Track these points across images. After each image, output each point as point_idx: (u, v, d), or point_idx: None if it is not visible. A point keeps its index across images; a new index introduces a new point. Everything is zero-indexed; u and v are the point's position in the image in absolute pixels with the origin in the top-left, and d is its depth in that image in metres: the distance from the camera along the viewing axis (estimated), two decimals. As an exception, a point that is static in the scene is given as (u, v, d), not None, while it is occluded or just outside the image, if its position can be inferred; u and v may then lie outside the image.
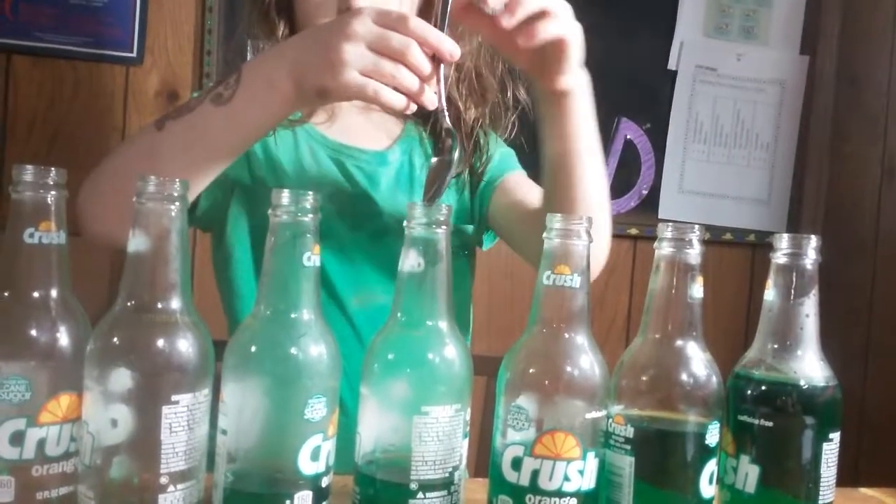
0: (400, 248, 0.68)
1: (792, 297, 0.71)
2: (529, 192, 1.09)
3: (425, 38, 0.77)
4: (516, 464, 0.65)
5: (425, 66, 0.78)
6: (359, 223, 1.06)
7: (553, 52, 0.84)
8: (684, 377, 0.68)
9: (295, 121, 1.06)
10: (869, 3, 1.99)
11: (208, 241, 1.13)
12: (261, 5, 1.05)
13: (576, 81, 0.90)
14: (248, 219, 1.06)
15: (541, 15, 0.81)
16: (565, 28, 0.83)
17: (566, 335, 0.67)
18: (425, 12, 1.07)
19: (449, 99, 1.06)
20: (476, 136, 1.10)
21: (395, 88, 0.78)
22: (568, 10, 0.84)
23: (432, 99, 0.80)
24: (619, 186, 1.95)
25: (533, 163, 1.21)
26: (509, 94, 1.12)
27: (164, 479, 0.60)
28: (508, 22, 0.80)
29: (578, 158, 0.92)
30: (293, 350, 0.63)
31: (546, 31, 0.81)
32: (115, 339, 0.60)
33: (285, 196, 0.64)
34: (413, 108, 0.80)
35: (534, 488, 0.65)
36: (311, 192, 0.64)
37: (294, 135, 1.07)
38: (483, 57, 1.10)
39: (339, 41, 0.77)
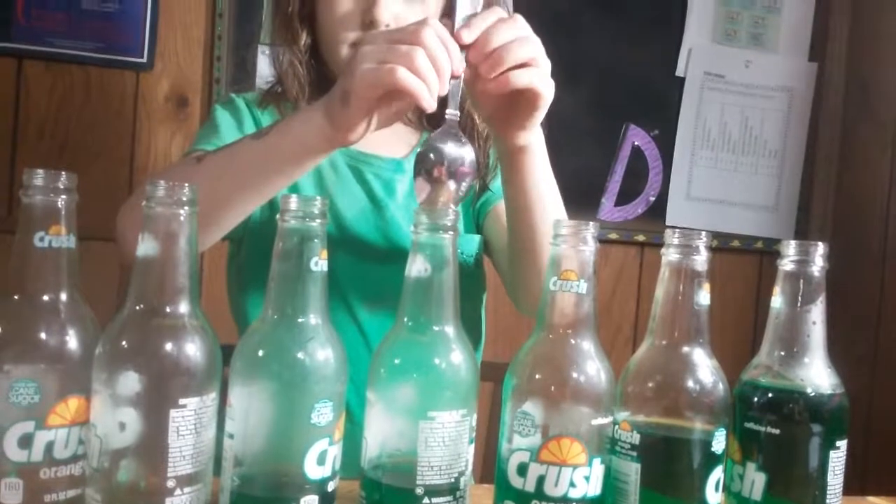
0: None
1: (799, 305, 0.71)
2: None
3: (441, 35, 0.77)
4: (522, 470, 0.65)
5: (440, 50, 0.76)
6: (374, 230, 1.06)
7: (523, 104, 0.82)
8: (691, 384, 0.68)
9: None
10: (877, 10, 1.99)
11: (216, 245, 1.13)
12: (283, 14, 1.05)
13: (535, 138, 0.88)
14: (264, 229, 1.06)
15: (520, 65, 0.78)
16: (542, 80, 0.80)
17: (572, 341, 0.67)
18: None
19: (464, 112, 1.07)
20: (488, 149, 1.10)
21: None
22: (548, 66, 0.81)
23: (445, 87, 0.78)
24: (627, 193, 1.95)
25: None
26: None
27: (171, 483, 0.60)
28: (488, 73, 0.78)
29: (538, 213, 0.92)
30: (300, 354, 0.63)
31: (521, 80, 0.78)
32: (124, 343, 0.61)
33: (293, 201, 0.64)
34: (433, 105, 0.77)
35: (539, 494, 0.65)
36: (318, 197, 0.65)
37: None
38: None
39: (357, 49, 0.78)
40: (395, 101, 0.79)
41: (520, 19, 0.80)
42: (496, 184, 1.12)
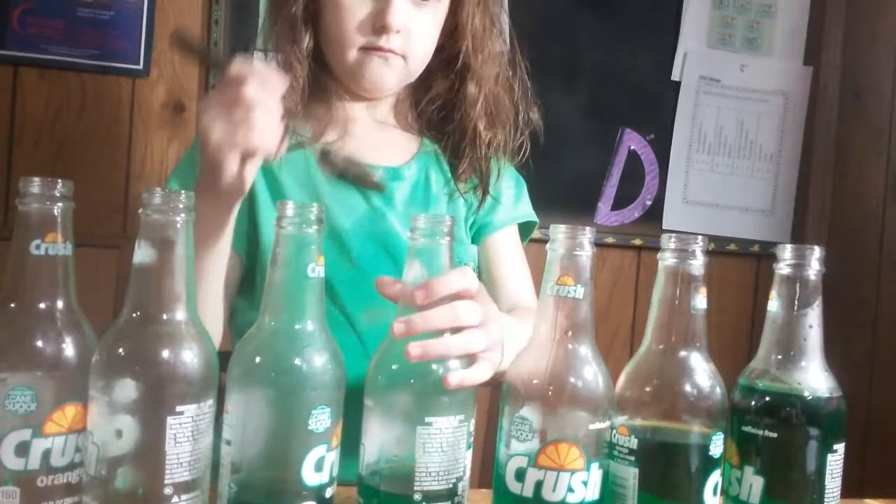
0: None
1: (796, 308, 0.71)
2: (500, 266, 1.13)
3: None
4: (520, 475, 0.65)
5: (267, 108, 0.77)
6: (372, 239, 1.06)
7: None
8: (688, 388, 0.68)
9: (304, 140, 1.06)
10: (873, 14, 2.00)
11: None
12: (286, 16, 1.04)
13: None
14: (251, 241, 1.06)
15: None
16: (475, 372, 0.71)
17: (570, 346, 0.67)
18: (449, 41, 1.08)
19: (468, 121, 1.08)
20: (489, 158, 1.10)
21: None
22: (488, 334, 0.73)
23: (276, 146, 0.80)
24: (623, 197, 1.95)
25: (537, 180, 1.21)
26: (521, 116, 1.13)
27: (168, 490, 0.60)
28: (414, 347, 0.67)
29: None
30: (297, 361, 0.63)
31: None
32: (121, 350, 0.61)
33: (290, 207, 0.64)
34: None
35: (537, 499, 0.65)
36: (315, 204, 0.65)
37: (304, 155, 1.07)
38: (502, 82, 1.11)
39: (199, 120, 0.79)
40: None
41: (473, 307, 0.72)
42: (498, 216, 1.13)
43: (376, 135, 1.12)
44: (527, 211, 1.18)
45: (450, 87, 1.11)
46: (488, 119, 1.10)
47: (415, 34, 1.03)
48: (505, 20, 1.16)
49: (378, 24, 1.00)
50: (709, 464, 0.68)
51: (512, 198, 1.16)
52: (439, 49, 1.09)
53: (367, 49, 1.02)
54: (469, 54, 1.08)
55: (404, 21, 1.01)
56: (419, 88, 1.12)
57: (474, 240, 1.14)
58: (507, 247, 1.15)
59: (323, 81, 1.08)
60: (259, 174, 1.05)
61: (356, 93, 1.09)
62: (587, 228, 0.67)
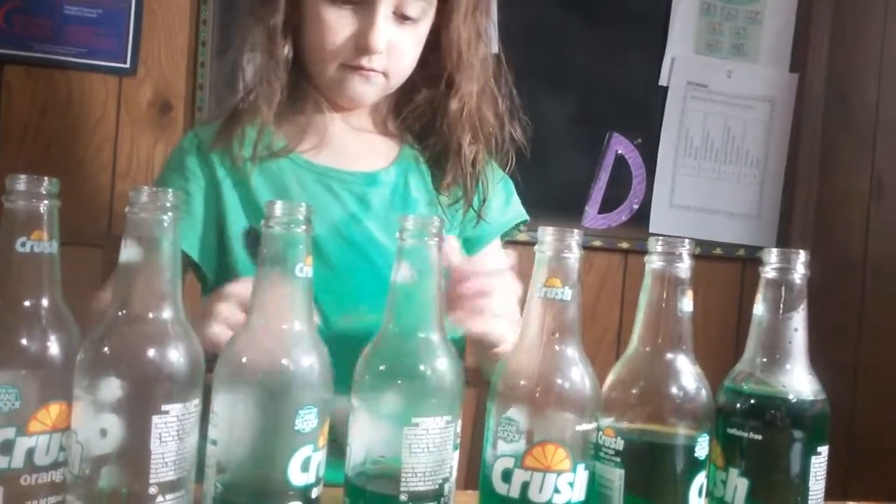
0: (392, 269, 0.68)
1: (781, 312, 0.71)
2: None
3: None
4: (506, 476, 0.65)
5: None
6: (349, 245, 1.05)
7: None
8: (674, 390, 0.69)
9: (278, 151, 1.05)
10: (858, 22, 2.01)
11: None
12: (265, 25, 1.03)
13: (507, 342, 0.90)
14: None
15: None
16: (488, 327, 0.87)
17: (557, 347, 0.67)
18: (433, 56, 1.08)
19: (451, 135, 1.08)
20: (477, 171, 1.10)
21: None
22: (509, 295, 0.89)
23: None
24: (611, 201, 1.95)
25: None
26: (507, 130, 1.12)
27: (153, 490, 0.60)
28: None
29: None
30: (284, 361, 0.63)
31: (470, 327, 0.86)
32: (106, 349, 0.60)
33: (278, 207, 0.64)
34: None
35: (524, 500, 0.65)
36: (303, 204, 0.65)
37: (278, 166, 1.06)
38: (486, 95, 1.11)
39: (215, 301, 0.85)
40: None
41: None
42: (487, 228, 1.12)
43: (354, 140, 1.11)
44: (513, 216, 1.17)
45: (433, 99, 1.10)
46: (473, 133, 1.09)
47: (397, 53, 1.02)
48: (492, 28, 1.15)
49: (361, 44, 0.99)
50: (694, 465, 0.68)
51: (500, 205, 1.16)
52: (424, 63, 1.08)
53: (348, 67, 1.02)
54: (454, 70, 1.07)
55: (387, 40, 1.00)
56: (401, 99, 1.12)
57: (468, 246, 1.12)
58: (492, 261, 1.14)
59: (303, 89, 1.07)
60: (230, 187, 1.05)
61: (335, 102, 1.09)
62: (575, 231, 0.67)
